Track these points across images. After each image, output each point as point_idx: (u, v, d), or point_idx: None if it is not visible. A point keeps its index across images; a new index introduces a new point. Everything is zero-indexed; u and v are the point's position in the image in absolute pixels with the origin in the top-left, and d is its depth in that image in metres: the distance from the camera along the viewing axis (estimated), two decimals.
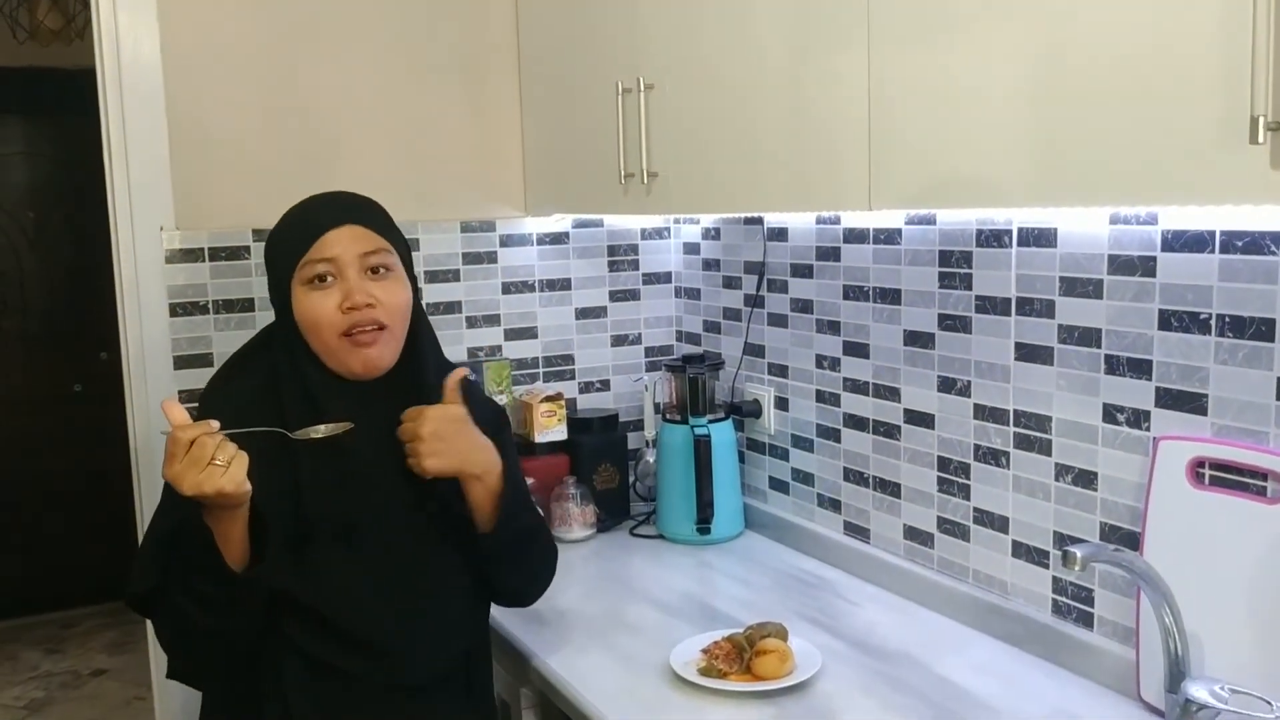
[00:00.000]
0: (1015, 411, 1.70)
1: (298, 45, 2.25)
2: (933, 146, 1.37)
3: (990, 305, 1.73)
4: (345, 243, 1.48)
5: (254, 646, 1.48)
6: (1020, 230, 1.66)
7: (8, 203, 4.73)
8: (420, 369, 1.56)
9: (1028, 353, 1.67)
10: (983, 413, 1.76)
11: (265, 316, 2.22)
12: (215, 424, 1.33)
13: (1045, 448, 1.65)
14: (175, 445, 1.31)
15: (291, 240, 1.50)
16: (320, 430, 1.43)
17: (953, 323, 1.80)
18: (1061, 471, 1.63)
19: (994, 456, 1.75)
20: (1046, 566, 1.67)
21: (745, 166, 1.73)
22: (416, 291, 1.58)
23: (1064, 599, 1.64)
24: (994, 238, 1.71)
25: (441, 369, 1.59)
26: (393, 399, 1.52)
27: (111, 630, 4.63)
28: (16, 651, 4.52)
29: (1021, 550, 1.71)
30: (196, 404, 1.55)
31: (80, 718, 3.93)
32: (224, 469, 1.30)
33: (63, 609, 4.81)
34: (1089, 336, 1.57)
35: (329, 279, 1.47)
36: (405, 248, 1.57)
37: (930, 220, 1.83)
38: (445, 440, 1.48)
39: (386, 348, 1.51)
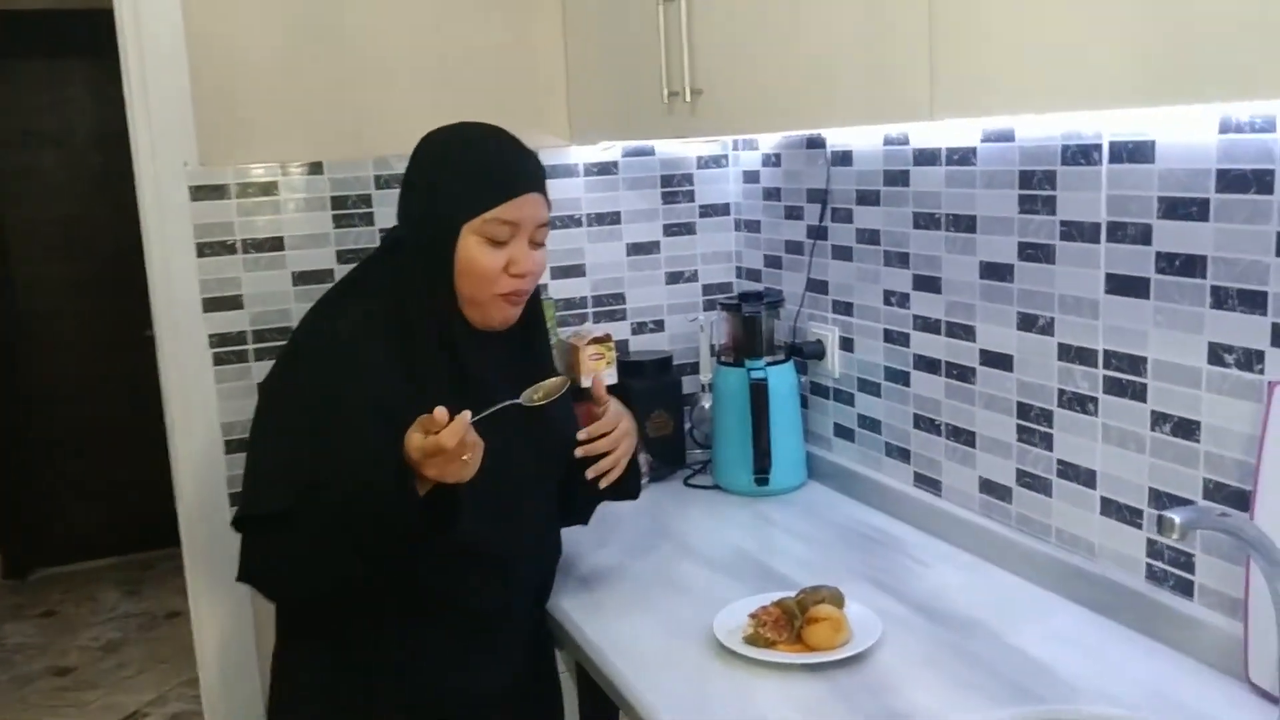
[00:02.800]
0: (1105, 352, 1.50)
1: None
2: (1007, 40, 1.17)
3: (1077, 231, 1.52)
4: (531, 210, 1.51)
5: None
6: (1112, 145, 1.45)
7: (75, 148, 4.72)
8: (537, 324, 1.64)
9: (1120, 285, 1.46)
10: (1068, 353, 1.56)
11: (296, 256, 2.12)
12: (468, 415, 1.33)
13: (1140, 393, 1.45)
14: (440, 451, 1.31)
15: (483, 188, 1.49)
16: (544, 391, 1.46)
17: (1034, 252, 1.60)
18: (1158, 420, 1.43)
19: (1080, 403, 1.55)
20: (1140, 527, 1.48)
21: (795, 78, 1.54)
22: None
23: (1160, 564, 1.46)
24: (1081, 154, 1.50)
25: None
26: (509, 343, 1.58)
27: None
28: (97, 592, 4.59)
29: (1111, 508, 1.52)
30: (297, 329, 1.59)
31: (153, 658, 3.96)
32: (467, 463, 1.35)
33: (143, 550, 4.87)
34: (1192, 265, 1.36)
35: (505, 238, 1.49)
36: None
37: (1009, 136, 1.62)
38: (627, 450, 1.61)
39: (521, 308, 1.57)
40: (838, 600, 1.50)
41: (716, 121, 1.73)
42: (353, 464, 1.41)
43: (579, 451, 1.56)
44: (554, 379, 1.48)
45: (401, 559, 1.44)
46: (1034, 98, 1.16)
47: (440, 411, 1.31)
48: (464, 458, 1.33)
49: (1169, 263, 1.39)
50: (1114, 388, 1.49)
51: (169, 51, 2.01)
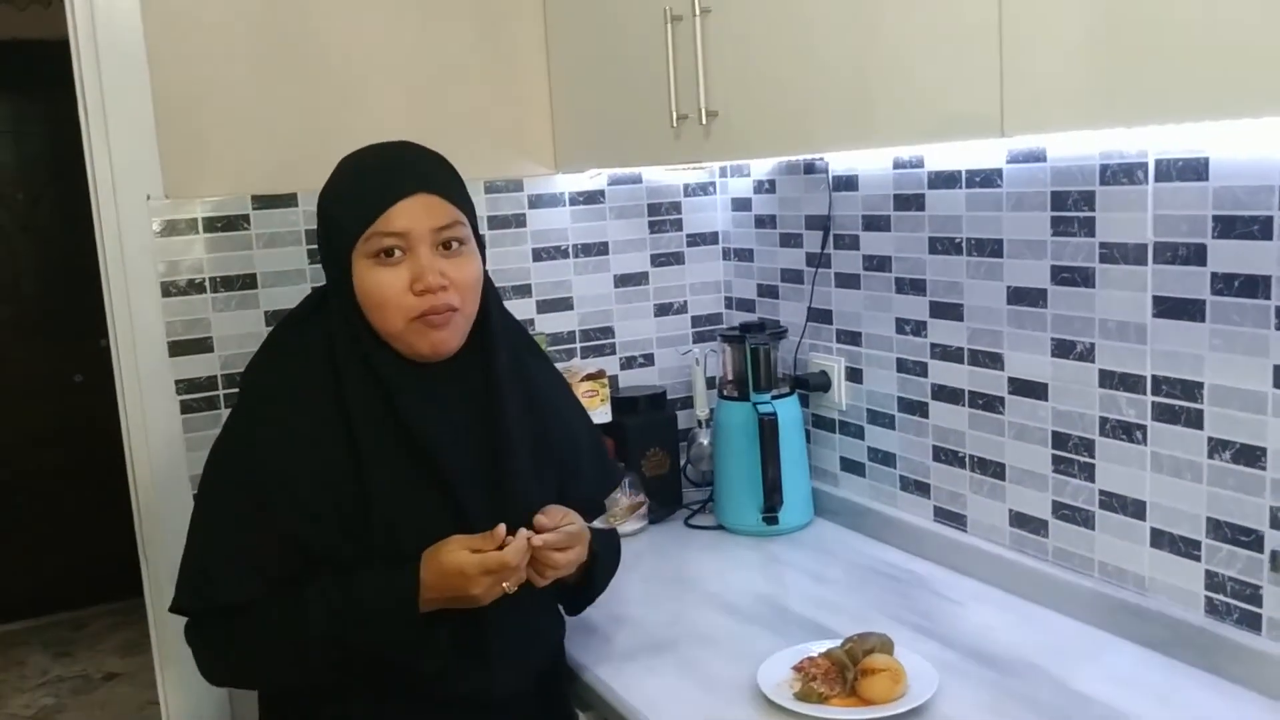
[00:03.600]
0: (1154, 378, 1.44)
1: None
2: (1090, 49, 1.11)
3: (1120, 253, 1.47)
4: (418, 215, 1.31)
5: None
6: (1159, 162, 1.40)
7: None
8: (491, 350, 1.41)
9: (1170, 308, 1.41)
10: (1111, 380, 1.50)
11: (270, 294, 1.99)
12: (524, 533, 1.30)
13: (1195, 419, 1.40)
14: (504, 567, 1.28)
15: (356, 206, 1.33)
16: (619, 518, 1.49)
17: (1070, 276, 1.54)
18: (1218, 447, 1.38)
19: (1126, 431, 1.49)
20: (1198, 559, 1.42)
21: (831, 96, 1.46)
22: (483, 258, 1.41)
23: (1221, 597, 1.39)
24: (1124, 173, 1.45)
25: (511, 342, 1.47)
26: (462, 382, 1.39)
27: (124, 630, 4.41)
28: (25, 656, 4.31)
29: (1164, 539, 1.46)
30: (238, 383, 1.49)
31: None
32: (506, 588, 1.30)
33: (73, 609, 4.59)
34: (1254, 286, 1.30)
35: (397, 253, 1.32)
36: (473, 211, 1.40)
37: (1039, 157, 1.57)
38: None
39: (457, 330, 1.36)
40: (888, 648, 1.41)
41: (735, 145, 1.65)
42: (325, 562, 1.31)
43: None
44: (627, 502, 1.44)
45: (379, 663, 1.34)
46: (1130, 109, 1.09)
47: (500, 529, 1.28)
48: (504, 585, 1.28)
49: (1227, 284, 1.34)
50: (1165, 414, 1.44)
51: (130, 79, 1.86)
